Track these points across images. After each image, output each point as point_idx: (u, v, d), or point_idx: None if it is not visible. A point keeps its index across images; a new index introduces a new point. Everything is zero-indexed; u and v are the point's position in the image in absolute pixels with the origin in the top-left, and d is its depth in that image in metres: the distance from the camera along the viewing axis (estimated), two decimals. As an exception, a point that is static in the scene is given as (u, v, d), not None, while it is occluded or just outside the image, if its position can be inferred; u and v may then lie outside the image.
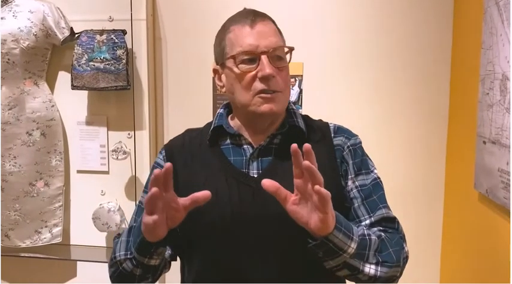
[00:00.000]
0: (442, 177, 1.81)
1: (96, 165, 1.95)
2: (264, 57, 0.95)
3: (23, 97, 1.85)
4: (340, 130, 1.06)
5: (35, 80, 1.87)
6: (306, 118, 1.08)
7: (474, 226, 1.52)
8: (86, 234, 1.96)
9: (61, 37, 1.83)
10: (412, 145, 1.82)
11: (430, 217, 1.83)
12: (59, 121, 1.91)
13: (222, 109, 1.08)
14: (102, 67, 1.78)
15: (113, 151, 1.88)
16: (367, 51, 1.82)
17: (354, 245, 0.85)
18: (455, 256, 1.72)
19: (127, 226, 1.11)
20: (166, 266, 1.00)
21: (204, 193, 0.82)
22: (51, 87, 1.94)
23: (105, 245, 1.97)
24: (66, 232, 1.98)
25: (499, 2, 1.29)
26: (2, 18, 1.81)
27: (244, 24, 0.97)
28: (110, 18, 1.87)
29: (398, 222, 0.99)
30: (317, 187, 0.76)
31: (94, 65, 1.79)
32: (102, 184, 1.95)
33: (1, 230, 1.91)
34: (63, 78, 1.93)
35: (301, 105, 1.85)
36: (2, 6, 1.83)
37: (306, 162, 0.77)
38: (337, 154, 1.01)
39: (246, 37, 0.96)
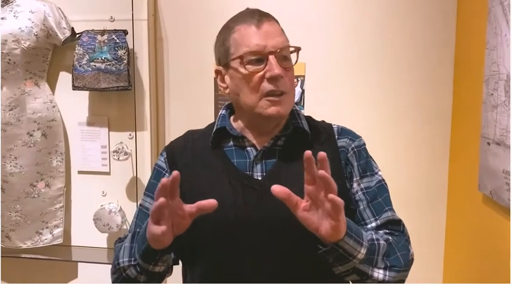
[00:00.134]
0: (445, 178, 1.80)
1: (97, 166, 1.94)
2: (271, 58, 0.94)
3: (24, 98, 1.84)
4: (344, 132, 1.05)
5: (35, 81, 1.86)
6: (309, 119, 1.07)
7: (478, 227, 1.51)
8: (87, 235, 1.96)
9: (62, 37, 1.82)
10: (415, 146, 1.81)
11: (433, 218, 1.81)
12: (59, 122, 1.91)
13: (224, 111, 1.07)
14: (103, 67, 1.78)
15: (114, 152, 1.87)
16: (369, 51, 1.80)
17: (363, 250, 0.84)
18: (458, 258, 1.71)
19: (128, 229, 1.09)
20: (168, 271, 0.99)
21: (210, 202, 0.80)
22: (52, 88, 1.93)
23: (106, 247, 1.96)
24: (67, 233, 1.97)
25: (503, 2, 1.28)
26: (2, 18, 1.80)
27: (250, 24, 0.96)
28: (111, 18, 1.86)
29: (403, 224, 0.99)
30: (331, 195, 0.76)
31: (95, 66, 1.78)
32: (103, 185, 1.95)
33: (2, 231, 1.90)
34: (64, 78, 1.93)
35: (303, 106, 1.85)
36: (2, 6, 1.82)
37: (322, 172, 0.76)
38: (341, 156, 1.00)
39: (253, 37, 0.94)
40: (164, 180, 0.77)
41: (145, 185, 1.09)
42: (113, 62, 1.78)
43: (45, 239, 1.91)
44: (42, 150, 1.87)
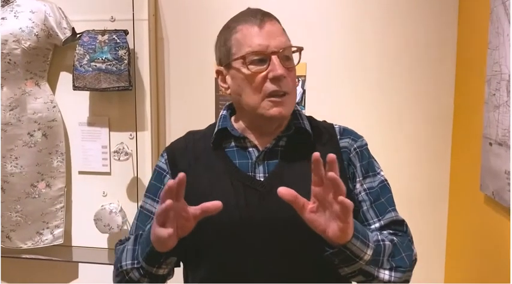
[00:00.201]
0: (446, 178, 1.80)
1: (97, 166, 1.94)
2: (274, 58, 0.93)
3: (24, 98, 1.84)
4: (346, 132, 1.04)
5: (36, 81, 1.86)
6: (310, 119, 1.06)
7: (480, 228, 1.50)
8: (87, 235, 1.95)
9: (63, 37, 1.82)
10: (417, 147, 1.81)
11: (434, 218, 1.81)
12: (60, 122, 1.90)
13: (225, 111, 1.06)
14: (103, 67, 1.77)
15: (114, 152, 1.86)
16: (371, 51, 1.80)
17: (370, 252, 0.84)
18: (460, 258, 1.70)
19: (129, 230, 1.09)
20: (170, 273, 0.99)
21: (215, 204, 0.80)
22: (53, 88, 1.93)
23: (106, 247, 1.96)
24: (67, 234, 1.97)
25: (505, 2, 1.27)
26: (3, 19, 1.80)
27: (253, 24, 0.95)
28: (112, 18, 1.85)
29: (406, 225, 0.99)
30: (341, 197, 0.75)
31: (96, 66, 1.78)
32: (104, 185, 1.94)
33: (2, 231, 1.90)
34: (65, 78, 1.92)
35: (304, 106, 1.84)
36: (3, 6, 1.82)
37: (332, 174, 0.75)
38: (343, 157, 0.99)
39: (255, 37, 0.94)
40: (171, 181, 0.77)
41: (146, 186, 1.08)
42: (113, 62, 1.77)
43: (46, 239, 1.91)
44: (42, 150, 1.87)
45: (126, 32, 1.81)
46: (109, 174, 1.94)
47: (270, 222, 0.91)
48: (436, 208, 1.81)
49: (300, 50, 0.99)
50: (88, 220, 1.89)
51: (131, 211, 1.90)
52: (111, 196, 1.94)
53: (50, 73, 1.92)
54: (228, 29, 0.99)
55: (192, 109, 1.92)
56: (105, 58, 1.77)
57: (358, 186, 0.99)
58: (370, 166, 1.01)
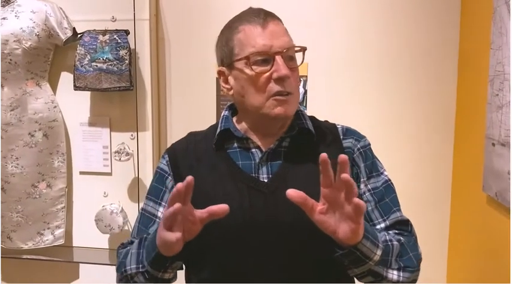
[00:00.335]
0: (449, 178, 1.79)
1: (98, 167, 1.93)
2: (278, 58, 0.93)
3: (25, 98, 1.84)
4: (349, 132, 1.04)
5: (37, 81, 1.86)
6: (313, 119, 1.06)
7: (482, 228, 1.50)
8: (88, 236, 1.95)
9: (63, 37, 1.81)
10: (419, 147, 1.80)
11: (437, 219, 1.80)
12: (61, 122, 1.90)
13: (226, 112, 1.05)
14: (104, 67, 1.77)
15: (115, 152, 1.86)
16: (373, 51, 1.79)
17: (379, 252, 0.84)
18: (462, 259, 1.69)
19: (130, 231, 1.08)
20: (174, 277, 0.98)
21: (222, 207, 0.79)
22: (54, 88, 1.92)
23: (107, 247, 1.96)
24: (68, 234, 1.97)
25: (508, 2, 1.26)
26: (4, 19, 1.80)
27: (256, 24, 0.94)
28: (113, 18, 1.85)
29: (411, 225, 0.99)
30: (356, 199, 0.75)
31: (97, 66, 1.77)
32: (105, 185, 1.94)
33: (3, 232, 1.90)
34: (66, 78, 1.92)
35: (306, 106, 1.83)
36: (4, 6, 1.82)
37: (345, 175, 0.75)
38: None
39: (259, 37, 0.93)
40: (179, 185, 0.76)
41: (147, 186, 1.08)
42: (114, 62, 1.77)
43: (47, 240, 1.91)
44: (43, 151, 1.87)
45: (127, 32, 1.81)
46: (110, 174, 1.94)
47: (274, 224, 0.91)
48: (438, 209, 1.80)
49: (303, 49, 0.98)
50: (89, 220, 1.88)
51: (132, 211, 1.90)
52: (112, 197, 1.93)
53: (51, 73, 1.91)
54: (230, 29, 0.98)
55: (193, 109, 1.92)
56: (106, 58, 1.77)
57: (362, 186, 0.98)
58: (373, 166, 1.01)
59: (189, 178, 0.77)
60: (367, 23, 1.79)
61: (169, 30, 1.92)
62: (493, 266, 1.40)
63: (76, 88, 1.81)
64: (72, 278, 2.04)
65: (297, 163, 0.96)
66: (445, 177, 1.79)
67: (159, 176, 1.04)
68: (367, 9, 1.78)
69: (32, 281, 2.04)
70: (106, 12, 1.85)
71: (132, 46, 1.81)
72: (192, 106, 1.92)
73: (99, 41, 1.78)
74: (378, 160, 1.04)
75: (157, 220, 1.01)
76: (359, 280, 0.89)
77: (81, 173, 1.96)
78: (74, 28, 1.84)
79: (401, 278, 0.88)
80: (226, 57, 0.98)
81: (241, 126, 1.02)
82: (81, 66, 1.79)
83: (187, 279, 1.03)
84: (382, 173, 1.02)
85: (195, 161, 1.00)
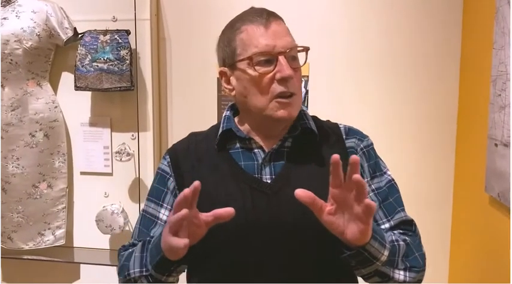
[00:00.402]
0: (451, 179, 1.78)
1: (99, 167, 1.93)
2: (281, 58, 0.92)
3: (26, 98, 1.83)
4: (352, 132, 1.03)
5: (38, 81, 1.85)
6: (315, 119, 1.05)
7: (484, 229, 1.49)
8: (89, 236, 1.94)
9: (64, 37, 1.81)
10: (420, 147, 1.80)
11: (438, 219, 1.79)
12: (62, 123, 1.90)
13: (228, 112, 1.04)
14: (105, 68, 1.76)
15: (116, 152, 1.86)
16: (375, 51, 1.79)
17: (386, 252, 0.84)
18: (464, 259, 1.69)
19: (131, 233, 1.07)
20: (177, 280, 0.97)
21: (228, 210, 0.78)
22: (55, 88, 1.92)
23: (108, 248, 1.95)
24: (69, 234, 1.96)
25: (511, 1, 1.26)
26: (4, 19, 1.79)
27: (259, 23, 0.93)
28: (114, 18, 1.85)
29: (415, 224, 0.98)
30: (367, 200, 0.75)
31: (97, 66, 1.77)
32: (106, 186, 1.93)
33: (4, 232, 1.89)
34: (67, 78, 1.92)
35: (307, 106, 1.83)
36: (4, 6, 1.81)
37: (357, 176, 0.74)
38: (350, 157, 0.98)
39: (261, 37, 0.92)
40: (187, 191, 0.76)
41: (148, 186, 1.07)
42: (115, 62, 1.76)
43: (47, 240, 1.90)
44: (44, 151, 1.86)
45: (128, 32, 1.80)
46: (111, 174, 1.93)
47: (277, 224, 0.90)
48: (440, 209, 1.79)
49: (306, 50, 0.97)
50: (90, 221, 1.88)
51: (133, 212, 1.90)
52: (113, 197, 1.93)
53: (52, 73, 1.91)
54: (232, 29, 0.97)
55: (194, 109, 1.91)
56: (107, 58, 1.76)
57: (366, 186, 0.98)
58: (377, 166, 1.01)
59: (196, 183, 0.76)
60: (369, 23, 1.78)
61: (170, 30, 1.91)
62: (495, 267, 1.40)
63: (77, 88, 1.81)
64: (73, 279, 2.03)
65: (300, 164, 0.95)
66: (447, 177, 1.78)
67: (160, 177, 1.03)
68: (368, 8, 1.78)
69: (32, 282, 2.03)
70: (107, 12, 1.85)
71: (133, 46, 1.81)
72: (193, 106, 1.91)
73: (100, 41, 1.78)
74: (381, 159, 1.03)
75: (159, 221, 1.00)
76: (365, 280, 0.89)
77: (82, 173, 1.96)
78: (75, 28, 1.83)
79: (407, 278, 0.88)
80: (228, 57, 0.97)
81: (244, 127, 1.01)
82: (82, 66, 1.79)
83: (188, 280, 1.03)
84: (385, 173, 1.01)
85: (196, 161, 0.99)
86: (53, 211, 1.90)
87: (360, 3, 1.78)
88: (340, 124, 1.05)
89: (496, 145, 1.34)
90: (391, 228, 0.96)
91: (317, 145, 0.98)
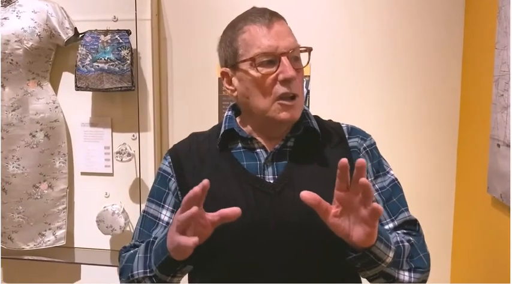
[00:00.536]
0: (452, 179, 1.78)
1: (100, 167, 1.92)
2: (284, 59, 0.91)
3: (27, 99, 1.83)
4: (354, 131, 1.03)
5: (38, 81, 1.85)
6: (317, 119, 1.04)
7: (486, 230, 1.48)
8: (89, 237, 1.94)
9: (65, 37, 1.81)
10: (422, 147, 1.79)
11: (440, 220, 1.79)
12: (62, 123, 1.89)
13: (229, 112, 1.04)
14: (106, 68, 1.76)
15: (117, 153, 1.85)
16: (376, 51, 1.78)
17: (391, 254, 0.84)
18: (466, 260, 1.68)
19: (132, 234, 1.07)
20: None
21: (234, 210, 0.78)
22: (55, 88, 1.91)
23: (109, 248, 1.95)
24: (70, 235, 1.96)
25: (514, 1, 1.25)
26: (5, 19, 1.79)
27: (261, 24, 0.92)
28: (114, 18, 1.84)
29: (419, 224, 0.98)
30: (375, 204, 0.75)
31: (98, 66, 1.76)
32: (106, 186, 1.93)
33: (5, 232, 1.89)
34: (67, 78, 1.91)
35: (308, 106, 1.82)
36: (5, 6, 1.81)
37: (364, 180, 0.74)
38: (353, 157, 0.97)
39: (264, 38, 0.91)
40: (196, 189, 0.75)
41: (148, 187, 1.06)
42: (116, 62, 1.76)
43: (48, 240, 1.90)
44: (45, 151, 1.86)
45: (128, 32, 1.80)
46: (111, 175, 1.93)
47: (280, 224, 0.90)
48: (442, 210, 1.79)
49: (309, 50, 0.96)
50: (90, 221, 1.88)
51: (134, 212, 1.89)
52: (114, 197, 1.92)
53: (52, 73, 1.91)
54: (234, 29, 0.96)
55: (195, 109, 1.91)
56: (107, 58, 1.76)
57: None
58: (380, 166, 1.00)
59: (205, 181, 0.76)
60: (370, 23, 1.77)
61: (171, 30, 1.91)
62: (497, 268, 1.39)
63: (77, 88, 1.81)
64: (74, 279, 2.03)
65: (302, 164, 0.95)
66: (449, 178, 1.78)
67: (161, 177, 1.02)
68: (370, 8, 1.77)
69: (33, 282, 2.03)
70: (107, 12, 1.84)
71: (133, 46, 1.81)
72: (194, 106, 1.91)
73: (100, 41, 1.78)
74: (384, 159, 1.03)
75: (160, 222, 1.00)
76: (370, 282, 0.88)
77: (83, 174, 1.95)
78: (76, 28, 1.83)
79: (412, 279, 0.88)
80: (230, 58, 0.96)
81: (246, 127, 1.00)
82: (83, 66, 1.78)
83: (190, 280, 1.02)
84: (388, 172, 1.01)
85: (198, 162, 0.99)
86: (53, 212, 1.89)
87: (361, 3, 1.77)
88: (343, 124, 1.04)
89: (498, 145, 1.33)
90: (395, 228, 0.95)
91: (320, 145, 0.98)
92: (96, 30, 1.80)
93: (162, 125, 1.95)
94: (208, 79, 1.88)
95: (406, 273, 0.88)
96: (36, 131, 1.84)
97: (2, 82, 1.81)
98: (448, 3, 1.72)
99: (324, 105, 1.81)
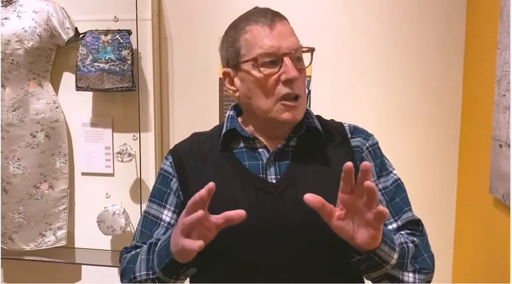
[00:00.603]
0: (454, 180, 1.77)
1: (100, 167, 1.92)
2: (286, 59, 0.91)
3: (27, 99, 1.83)
4: (357, 131, 1.02)
5: (39, 81, 1.85)
6: (319, 118, 1.04)
7: (489, 231, 1.48)
8: (90, 237, 1.94)
9: (65, 37, 1.81)
10: (423, 148, 1.78)
11: (442, 220, 1.78)
12: (63, 123, 1.89)
13: (231, 112, 1.03)
14: (107, 68, 1.76)
15: (117, 153, 1.85)
16: (378, 50, 1.78)
17: (396, 256, 0.83)
18: (468, 261, 1.68)
19: (133, 234, 1.06)
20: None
21: (239, 213, 0.77)
22: (56, 88, 1.91)
23: (109, 249, 1.95)
24: (70, 235, 1.96)
25: (516, 1, 1.25)
26: (5, 19, 1.79)
27: (263, 24, 0.92)
28: (115, 18, 1.84)
29: (422, 224, 0.98)
30: (380, 207, 0.74)
31: (99, 66, 1.76)
32: (107, 186, 1.93)
33: (5, 233, 1.89)
34: (68, 79, 1.91)
35: (309, 106, 1.82)
36: (5, 6, 1.81)
37: (370, 183, 0.73)
38: (356, 156, 0.97)
39: (266, 38, 0.91)
40: (202, 192, 0.75)
41: (149, 187, 1.06)
42: (116, 62, 1.76)
43: (49, 241, 1.90)
44: (45, 151, 1.86)
45: (129, 32, 1.80)
46: (112, 175, 1.93)
47: (283, 225, 0.89)
48: (443, 211, 1.78)
49: (311, 50, 0.96)
50: (91, 221, 1.87)
51: (134, 212, 1.89)
52: (114, 198, 1.92)
53: (53, 73, 1.91)
54: (236, 29, 0.95)
55: (196, 109, 1.90)
56: (108, 58, 1.76)
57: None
58: (383, 165, 1.00)
59: (211, 184, 0.75)
60: (371, 22, 1.77)
61: (171, 30, 1.91)
62: (498, 269, 1.38)
63: (78, 88, 1.80)
64: (74, 280, 2.03)
65: (305, 163, 0.94)
66: (451, 178, 1.77)
67: (162, 178, 1.02)
68: (371, 8, 1.77)
69: (33, 283, 2.03)
70: (108, 12, 1.84)
71: (134, 46, 1.80)
72: (195, 106, 1.91)
73: (101, 41, 1.77)
74: (387, 158, 1.02)
75: (162, 223, 0.99)
76: (374, 283, 0.88)
77: (83, 174, 1.95)
78: (76, 28, 1.83)
79: (416, 280, 0.88)
80: (232, 58, 0.95)
81: (248, 127, 1.00)
82: (83, 66, 1.78)
83: (191, 279, 1.02)
84: (391, 172, 1.00)
85: (200, 162, 0.98)
86: (54, 212, 1.89)
87: (362, 3, 1.77)
88: (345, 124, 1.04)
89: (500, 146, 1.33)
90: (398, 228, 0.95)
91: (322, 145, 0.97)
92: (96, 30, 1.80)
93: (163, 125, 1.94)
94: (209, 79, 1.88)
95: (411, 274, 0.87)
96: (37, 131, 1.84)
97: (2, 83, 1.81)
98: (449, 2, 1.72)
99: (325, 105, 1.81)
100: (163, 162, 1.04)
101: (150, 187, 1.85)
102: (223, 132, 0.98)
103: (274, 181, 0.93)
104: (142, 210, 1.85)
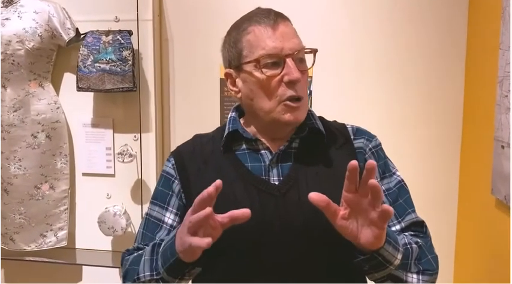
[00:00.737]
0: (456, 181, 1.77)
1: (101, 168, 1.92)
2: (289, 61, 0.90)
3: (28, 99, 1.82)
4: (360, 132, 1.02)
5: (40, 82, 1.84)
6: (322, 120, 1.04)
7: (491, 232, 1.47)
8: (91, 238, 1.94)
9: (66, 38, 1.80)
10: (425, 149, 1.78)
11: (444, 221, 1.78)
12: (64, 124, 1.89)
13: (233, 113, 1.03)
14: (108, 68, 1.75)
15: (118, 153, 1.85)
16: (379, 51, 1.77)
17: (400, 256, 0.83)
18: (469, 262, 1.67)
19: (135, 235, 1.06)
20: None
21: (244, 212, 0.76)
22: (57, 89, 1.91)
23: (110, 249, 1.94)
24: (71, 236, 1.95)
25: (518, 1, 1.24)
26: (6, 19, 1.79)
27: (266, 25, 0.91)
28: (116, 18, 1.84)
29: (426, 226, 0.97)
30: (385, 206, 0.74)
31: (100, 66, 1.76)
32: (108, 187, 1.93)
33: (6, 233, 1.89)
34: (69, 79, 1.91)
35: (311, 107, 1.81)
36: (6, 7, 1.81)
37: (374, 182, 0.73)
38: (359, 158, 0.96)
39: (269, 39, 0.90)
40: (210, 189, 0.74)
41: (150, 188, 1.05)
42: (117, 63, 1.75)
43: (50, 241, 1.89)
44: (46, 152, 1.86)
45: (130, 33, 1.79)
46: (113, 175, 1.92)
47: (285, 226, 0.89)
48: (445, 211, 1.78)
49: (314, 52, 0.96)
50: (92, 222, 1.87)
51: (135, 213, 1.89)
52: (115, 198, 1.92)
53: (54, 74, 1.90)
54: (239, 30, 0.95)
55: (197, 110, 1.90)
56: (109, 59, 1.76)
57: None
58: (386, 167, 0.99)
59: (218, 181, 0.75)
60: (373, 23, 1.77)
61: (172, 31, 1.90)
62: (500, 270, 1.38)
63: (79, 89, 1.80)
64: (75, 280, 2.02)
65: (308, 165, 0.94)
66: (453, 179, 1.77)
67: (164, 180, 1.01)
68: (372, 8, 1.76)
69: (34, 283, 2.03)
70: (109, 13, 1.84)
71: (135, 47, 1.80)
72: (196, 107, 1.90)
73: (102, 42, 1.77)
74: (390, 160, 1.02)
75: (164, 225, 0.99)
76: None
77: (84, 174, 1.95)
78: (77, 29, 1.83)
79: (420, 281, 0.87)
80: (234, 59, 0.95)
81: (250, 129, 1.00)
82: (84, 66, 1.78)
83: (193, 280, 1.01)
84: (394, 173, 1.00)
85: (202, 164, 0.98)
86: (55, 213, 1.89)
87: (364, 3, 1.77)
88: (348, 125, 1.03)
89: (502, 147, 1.32)
90: (402, 230, 0.95)
91: (325, 146, 0.97)
92: (97, 30, 1.80)
93: (164, 126, 1.94)
94: (210, 80, 1.88)
95: (415, 275, 0.87)
96: (38, 132, 1.84)
97: (3, 83, 1.81)
98: (451, 2, 1.72)
99: (326, 106, 1.80)
100: (166, 164, 1.03)
101: (151, 188, 1.85)
102: (225, 134, 0.98)
103: (276, 183, 0.93)
104: (143, 211, 1.85)
